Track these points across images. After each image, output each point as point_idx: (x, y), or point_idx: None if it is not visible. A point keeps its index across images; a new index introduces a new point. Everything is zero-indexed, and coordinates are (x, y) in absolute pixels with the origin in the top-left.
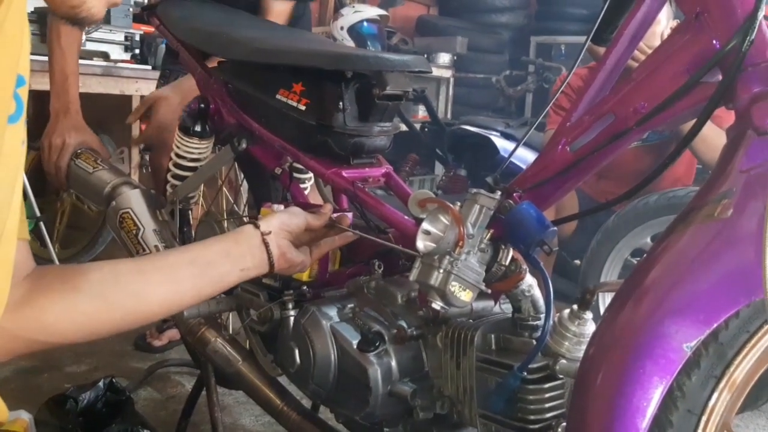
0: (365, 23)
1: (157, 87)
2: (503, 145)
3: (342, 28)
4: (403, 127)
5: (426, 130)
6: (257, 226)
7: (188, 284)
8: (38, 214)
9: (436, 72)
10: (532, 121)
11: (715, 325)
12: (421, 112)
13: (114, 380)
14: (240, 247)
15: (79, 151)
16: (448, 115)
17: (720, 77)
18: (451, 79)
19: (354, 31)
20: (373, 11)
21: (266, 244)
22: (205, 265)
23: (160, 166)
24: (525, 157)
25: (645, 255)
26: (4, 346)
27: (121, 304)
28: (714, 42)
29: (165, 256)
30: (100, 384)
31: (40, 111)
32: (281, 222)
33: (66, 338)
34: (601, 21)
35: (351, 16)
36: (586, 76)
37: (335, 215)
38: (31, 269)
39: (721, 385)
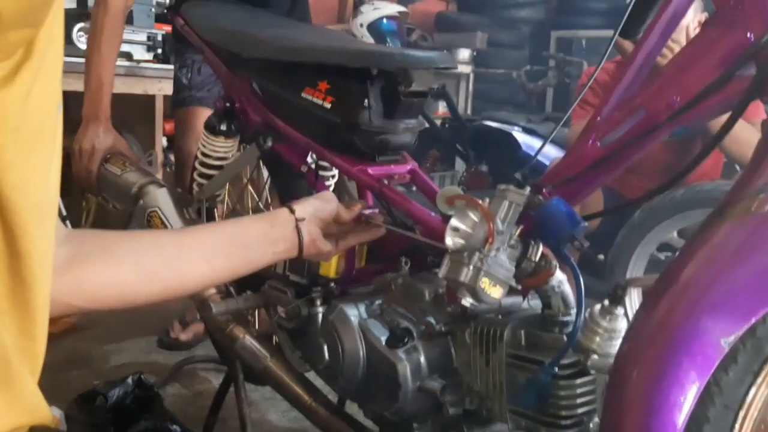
0: (385, 20)
1: (177, 82)
2: (525, 140)
3: (362, 26)
4: (425, 124)
5: (447, 126)
6: (293, 211)
7: (225, 263)
8: (64, 213)
9: (456, 68)
10: (554, 117)
11: (753, 320)
12: (442, 108)
13: (142, 376)
14: (276, 230)
15: (108, 155)
16: (469, 111)
17: (754, 70)
18: (471, 75)
19: (374, 28)
20: (393, 8)
21: (299, 230)
22: (242, 246)
23: (186, 157)
24: (548, 152)
25: (680, 250)
26: None
27: (161, 277)
28: (748, 35)
29: (204, 232)
30: (129, 380)
31: (64, 110)
32: (315, 209)
33: (104, 305)
34: (630, 14)
35: (371, 13)
36: (613, 70)
37: (367, 211)
38: (63, 233)
39: (759, 380)
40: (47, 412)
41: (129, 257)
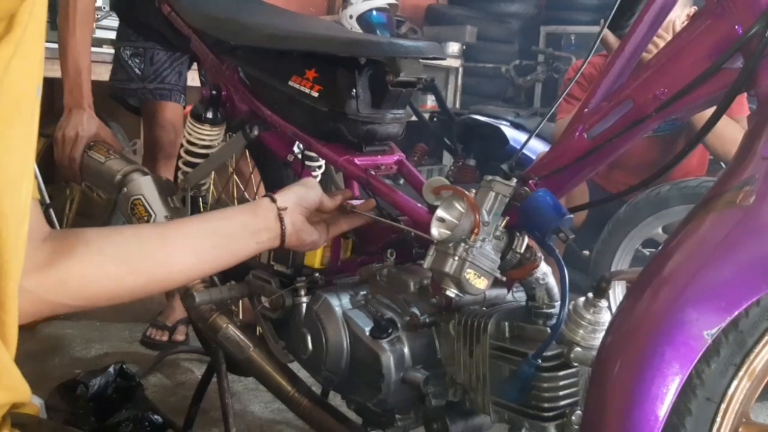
0: (374, 12)
1: (127, 70)
2: (513, 134)
3: (351, 17)
4: (412, 117)
5: (435, 119)
6: (274, 200)
7: (209, 254)
8: (48, 201)
9: (445, 61)
10: (542, 111)
11: (736, 313)
12: (430, 101)
13: (124, 366)
14: (258, 220)
15: (92, 143)
16: (457, 105)
17: (742, 63)
18: (460, 69)
19: (363, 19)
20: (383, 0)
21: (281, 220)
22: (226, 237)
23: (152, 147)
24: (534, 147)
25: (664, 242)
26: (28, 308)
27: (146, 270)
28: (736, 27)
29: (187, 224)
30: (111, 370)
31: (48, 96)
32: (298, 197)
33: (90, 301)
34: (619, 7)
35: (360, 4)
36: (600, 64)
37: (356, 202)
38: (46, 231)
39: (741, 373)
40: (27, 391)
41: (113, 251)
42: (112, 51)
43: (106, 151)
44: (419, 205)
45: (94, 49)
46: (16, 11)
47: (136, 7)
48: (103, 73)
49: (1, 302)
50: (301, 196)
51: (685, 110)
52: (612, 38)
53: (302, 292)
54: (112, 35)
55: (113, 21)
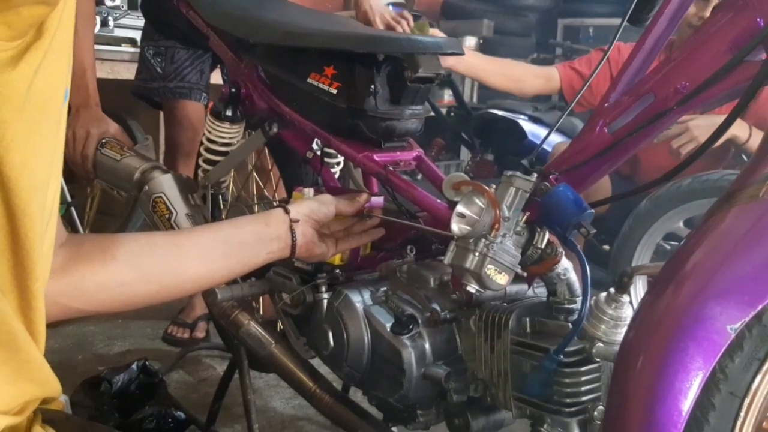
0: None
1: (151, 69)
2: (531, 129)
3: None
4: (430, 112)
5: (452, 114)
6: (287, 211)
7: (221, 263)
8: (69, 199)
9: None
10: (561, 105)
11: (760, 307)
12: (447, 96)
13: (147, 363)
14: (270, 230)
15: (103, 140)
16: (474, 100)
17: (765, 56)
18: None
19: None
20: None
21: (292, 231)
22: (237, 246)
23: (173, 147)
24: (552, 140)
25: (686, 236)
26: None
27: (159, 277)
28: (758, 20)
29: (199, 233)
30: (134, 366)
31: None
32: (310, 210)
33: (103, 307)
34: (638, 0)
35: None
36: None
37: (374, 200)
38: (64, 236)
39: (765, 367)
40: (57, 386)
41: (127, 259)
42: (131, 50)
43: (119, 148)
44: (438, 201)
45: (112, 48)
46: (46, 18)
47: (158, 6)
48: (122, 72)
49: (28, 301)
50: (314, 209)
51: (707, 104)
52: None
53: (323, 289)
54: (131, 34)
55: (131, 20)
